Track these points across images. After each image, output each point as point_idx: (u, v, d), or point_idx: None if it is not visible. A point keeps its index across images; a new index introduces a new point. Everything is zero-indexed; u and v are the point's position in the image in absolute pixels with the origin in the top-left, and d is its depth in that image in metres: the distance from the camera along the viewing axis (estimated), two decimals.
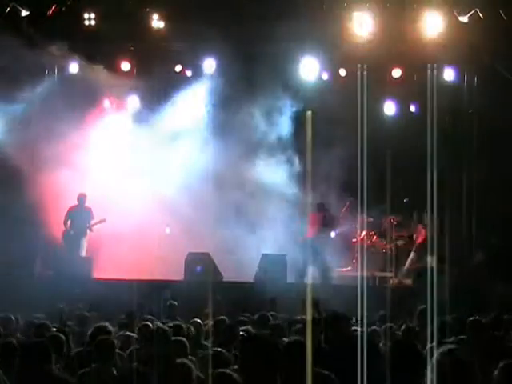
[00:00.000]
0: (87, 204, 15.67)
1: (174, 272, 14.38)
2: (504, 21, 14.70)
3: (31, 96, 15.63)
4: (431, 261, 15.44)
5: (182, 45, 16.51)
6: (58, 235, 15.76)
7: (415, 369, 4.89)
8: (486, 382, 4.59)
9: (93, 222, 15.52)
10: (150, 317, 8.58)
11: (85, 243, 15.63)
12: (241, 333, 7.02)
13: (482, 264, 14.97)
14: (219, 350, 6.01)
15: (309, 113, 16.98)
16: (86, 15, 15.57)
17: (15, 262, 14.23)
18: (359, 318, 8.53)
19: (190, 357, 5.96)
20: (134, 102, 17.49)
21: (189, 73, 17.30)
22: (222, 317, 8.31)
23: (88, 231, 15.61)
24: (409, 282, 15.05)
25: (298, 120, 17.07)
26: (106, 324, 7.03)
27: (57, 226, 15.76)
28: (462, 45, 15.50)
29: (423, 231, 15.66)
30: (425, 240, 15.47)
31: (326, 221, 15.80)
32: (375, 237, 16.73)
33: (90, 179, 16.23)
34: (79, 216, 15.52)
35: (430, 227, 15.74)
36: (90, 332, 6.84)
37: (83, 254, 15.63)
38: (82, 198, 15.51)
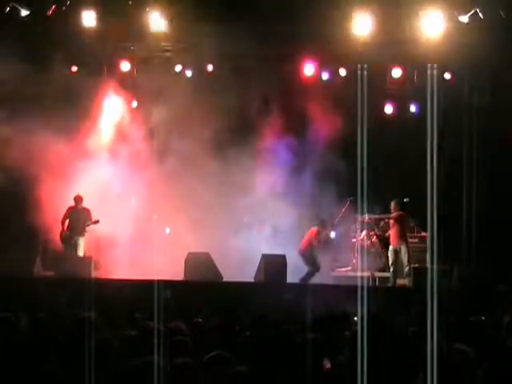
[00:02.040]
0: (86, 205, 15.67)
1: (174, 272, 14.37)
2: (504, 21, 14.71)
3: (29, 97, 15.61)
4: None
5: (182, 45, 16.50)
6: (57, 236, 15.75)
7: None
8: (486, 380, 4.59)
9: (87, 223, 15.52)
10: (150, 317, 8.56)
11: (83, 243, 15.63)
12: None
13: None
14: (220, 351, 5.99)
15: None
16: (86, 15, 15.55)
17: (15, 261, 14.21)
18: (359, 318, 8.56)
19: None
20: (133, 101, 17.49)
21: (189, 73, 17.30)
22: (222, 317, 8.29)
23: (86, 232, 15.62)
24: (409, 281, 15.02)
25: (299, 120, 17.09)
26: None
27: (56, 226, 15.75)
28: (462, 45, 15.52)
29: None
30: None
31: (318, 238, 15.98)
32: (375, 237, 16.73)
33: (90, 179, 16.24)
34: (77, 217, 15.53)
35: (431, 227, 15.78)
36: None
37: (81, 254, 15.63)
38: (78, 200, 15.53)
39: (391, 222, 15.48)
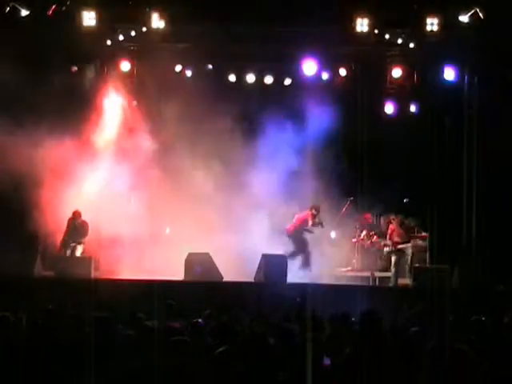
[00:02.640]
0: (84, 218, 15.75)
1: (174, 272, 14.37)
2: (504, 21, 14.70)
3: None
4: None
5: (182, 45, 16.49)
6: (57, 236, 15.78)
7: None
8: (486, 380, 4.59)
9: (74, 243, 15.59)
10: (150, 316, 8.57)
11: (81, 249, 15.68)
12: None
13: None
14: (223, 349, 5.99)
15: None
16: (86, 15, 15.55)
17: (15, 261, 14.21)
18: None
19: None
20: (133, 101, 17.46)
21: (189, 73, 17.29)
22: (222, 317, 8.31)
23: (83, 242, 15.69)
24: (409, 281, 15.03)
25: (298, 120, 17.08)
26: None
27: (57, 227, 15.77)
28: (461, 45, 15.52)
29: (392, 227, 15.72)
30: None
31: (314, 221, 16.01)
32: (375, 237, 16.73)
33: (90, 180, 16.24)
34: (74, 230, 15.62)
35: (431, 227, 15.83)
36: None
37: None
38: (76, 216, 15.61)
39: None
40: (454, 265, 14.94)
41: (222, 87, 16.91)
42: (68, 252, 15.53)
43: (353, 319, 8.34)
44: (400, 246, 15.56)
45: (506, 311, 9.36)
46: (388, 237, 15.78)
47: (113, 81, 17.08)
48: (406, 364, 5.07)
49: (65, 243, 15.55)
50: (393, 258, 15.47)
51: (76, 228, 15.61)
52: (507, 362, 5.20)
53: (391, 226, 15.76)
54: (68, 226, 15.65)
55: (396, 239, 15.61)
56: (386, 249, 15.84)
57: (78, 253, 15.60)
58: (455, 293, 13.46)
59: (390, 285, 15.15)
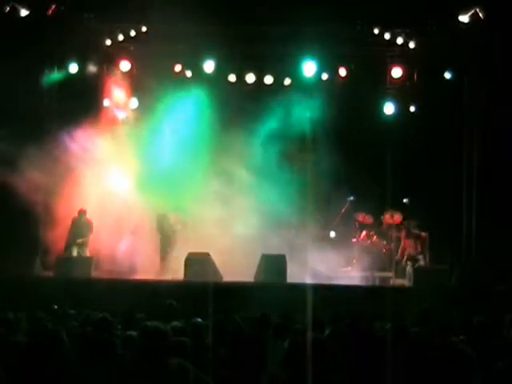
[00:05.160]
0: (89, 217, 15.77)
1: (175, 272, 14.37)
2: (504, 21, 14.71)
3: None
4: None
5: (181, 45, 16.50)
6: (57, 236, 15.79)
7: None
8: (486, 379, 4.59)
9: (81, 240, 15.60)
10: (150, 317, 8.57)
11: (86, 249, 15.70)
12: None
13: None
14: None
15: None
16: (85, 15, 15.58)
17: (15, 261, 14.21)
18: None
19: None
20: (133, 102, 17.47)
21: (189, 73, 17.30)
22: (222, 317, 8.30)
23: (88, 242, 15.70)
24: (409, 282, 15.02)
25: (298, 120, 17.09)
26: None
27: (57, 227, 15.78)
28: (461, 45, 15.54)
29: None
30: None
31: None
32: (375, 237, 16.72)
33: (91, 180, 16.25)
34: (78, 229, 15.63)
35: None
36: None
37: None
38: (80, 213, 15.63)
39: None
40: (453, 265, 14.94)
41: (222, 87, 16.95)
42: (74, 252, 15.54)
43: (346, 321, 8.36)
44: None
45: (506, 311, 9.36)
46: (402, 251, 15.81)
47: (113, 81, 17.09)
48: (406, 364, 5.08)
49: (69, 242, 15.56)
50: (408, 266, 15.53)
51: (81, 226, 15.63)
52: (507, 362, 5.21)
53: (405, 242, 15.76)
54: (72, 225, 15.67)
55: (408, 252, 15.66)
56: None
57: (86, 253, 15.63)
58: (455, 293, 13.46)
59: (409, 286, 15.09)
